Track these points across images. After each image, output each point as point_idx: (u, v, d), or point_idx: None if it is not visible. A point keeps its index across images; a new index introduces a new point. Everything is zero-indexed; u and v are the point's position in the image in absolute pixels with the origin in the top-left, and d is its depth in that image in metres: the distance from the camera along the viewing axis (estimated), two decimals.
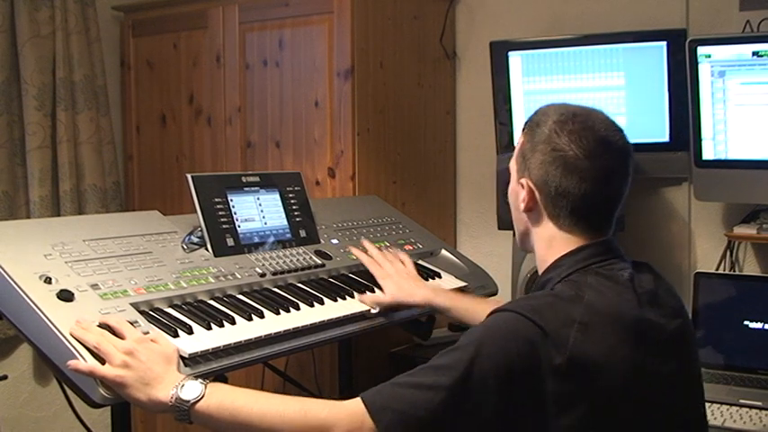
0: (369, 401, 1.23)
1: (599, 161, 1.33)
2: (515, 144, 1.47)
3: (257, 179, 2.03)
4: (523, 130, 1.44)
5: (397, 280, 1.93)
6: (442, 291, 1.97)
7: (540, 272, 1.43)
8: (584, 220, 1.37)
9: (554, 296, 1.29)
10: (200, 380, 1.35)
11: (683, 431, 1.34)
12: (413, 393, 1.21)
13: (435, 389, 1.20)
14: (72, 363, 1.35)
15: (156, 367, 1.36)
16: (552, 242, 1.39)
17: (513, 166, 1.46)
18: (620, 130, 1.38)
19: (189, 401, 1.31)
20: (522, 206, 1.40)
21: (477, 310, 1.81)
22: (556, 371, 1.20)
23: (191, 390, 1.33)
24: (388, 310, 1.89)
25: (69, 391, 1.44)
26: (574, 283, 1.31)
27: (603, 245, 1.38)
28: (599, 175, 1.33)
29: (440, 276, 2.16)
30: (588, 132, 1.34)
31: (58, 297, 1.47)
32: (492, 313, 1.30)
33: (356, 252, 2.05)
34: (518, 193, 1.42)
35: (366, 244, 2.07)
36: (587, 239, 1.37)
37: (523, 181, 1.39)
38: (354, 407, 1.23)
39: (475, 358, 1.20)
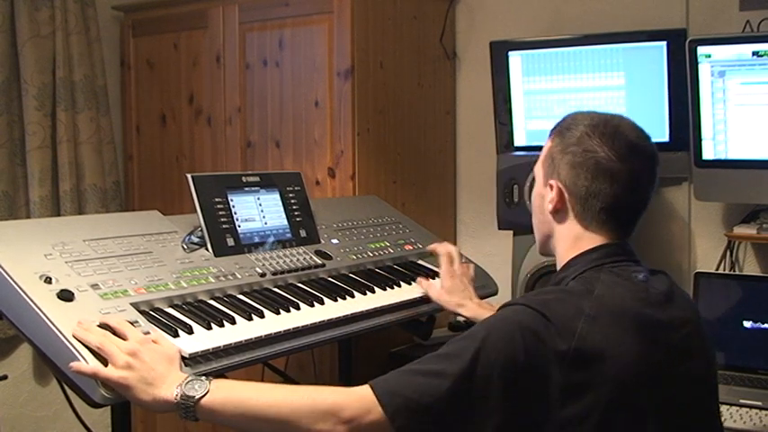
0: (377, 388, 1.25)
1: (629, 164, 1.36)
2: (543, 146, 1.48)
3: (257, 179, 2.03)
4: (551, 134, 1.46)
5: (454, 285, 1.97)
6: (489, 305, 1.99)
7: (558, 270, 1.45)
8: (611, 222, 1.39)
9: (564, 291, 1.33)
10: (203, 377, 1.36)
11: None
12: (421, 380, 1.24)
13: (443, 376, 1.23)
14: (75, 364, 1.35)
15: (159, 367, 1.37)
16: (577, 242, 1.41)
17: (538, 170, 1.48)
18: (648, 138, 1.41)
19: (194, 398, 1.32)
20: (550, 207, 1.42)
21: None
22: (562, 361, 1.22)
23: (196, 386, 1.33)
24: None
25: (69, 391, 1.44)
26: (586, 279, 1.34)
27: (619, 246, 1.40)
28: (629, 178, 1.36)
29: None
30: (620, 137, 1.37)
31: (59, 297, 1.47)
32: (502, 306, 1.33)
33: (436, 247, 2.08)
34: (544, 196, 1.44)
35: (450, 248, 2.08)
36: (607, 240, 1.40)
37: (552, 182, 1.41)
38: (363, 392, 1.26)
39: (481, 347, 1.23)
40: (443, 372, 1.23)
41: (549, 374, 1.22)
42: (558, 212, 1.43)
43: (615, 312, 1.28)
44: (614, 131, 1.37)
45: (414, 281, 2.08)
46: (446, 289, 1.96)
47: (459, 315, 1.96)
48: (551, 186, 1.42)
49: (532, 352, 1.22)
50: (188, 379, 1.35)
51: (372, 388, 1.25)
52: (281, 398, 1.30)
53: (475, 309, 1.93)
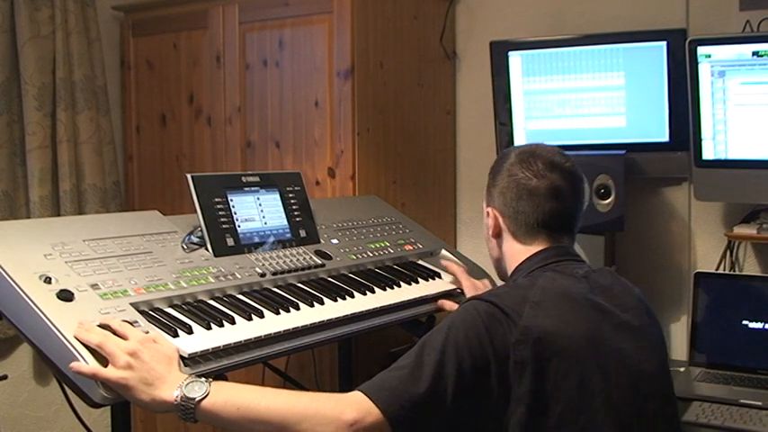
0: (365, 389, 1.34)
1: (546, 180, 1.56)
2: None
3: (257, 179, 2.03)
4: (489, 174, 1.68)
5: (475, 282, 2.09)
6: None
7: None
8: (542, 232, 1.57)
9: (512, 286, 1.53)
10: (203, 378, 1.36)
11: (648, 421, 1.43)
12: (400, 373, 1.35)
13: (419, 366, 1.35)
14: (75, 365, 1.35)
15: (159, 368, 1.37)
16: (517, 255, 1.60)
17: (484, 206, 1.69)
18: (568, 158, 1.60)
19: (195, 399, 1.32)
20: (490, 232, 1.64)
21: None
22: (514, 343, 1.36)
23: (196, 388, 1.34)
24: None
25: (69, 391, 1.44)
26: (532, 276, 1.52)
27: (561, 248, 1.58)
28: (547, 190, 1.55)
29: (440, 276, 2.16)
30: (537, 158, 1.58)
31: (58, 297, 1.47)
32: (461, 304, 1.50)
33: (445, 263, 2.20)
34: (487, 224, 1.66)
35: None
36: (545, 246, 1.57)
37: (489, 210, 1.65)
38: (356, 397, 1.33)
39: (448, 334, 1.37)
40: (419, 362, 1.35)
41: (507, 353, 1.36)
42: (499, 236, 1.64)
43: (558, 296, 1.44)
44: (531, 155, 1.58)
45: (414, 281, 2.08)
46: (470, 285, 2.07)
47: None
48: (488, 213, 1.65)
49: (493, 332, 1.37)
50: (188, 380, 1.35)
51: (362, 390, 1.34)
52: (282, 402, 1.33)
53: None
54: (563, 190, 1.56)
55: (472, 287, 2.04)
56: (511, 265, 1.62)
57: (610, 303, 1.48)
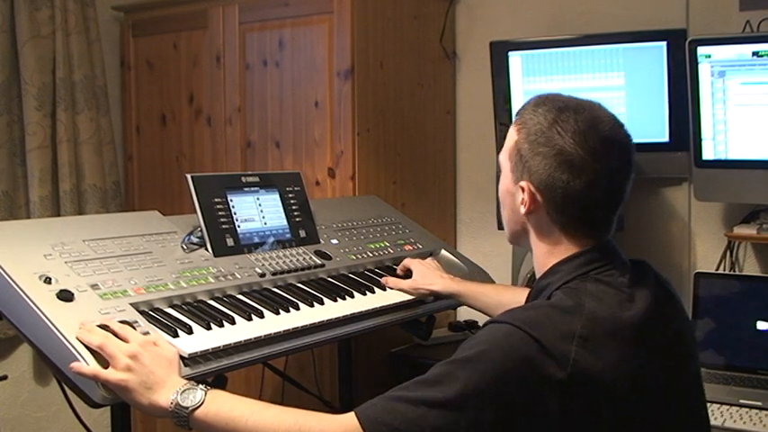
0: (362, 416, 1.20)
1: (605, 163, 1.29)
2: (508, 133, 1.39)
3: (257, 179, 2.03)
4: (516, 123, 1.36)
5: (422, 268, 2.05)
6: (460, 280, 2.07)
7: (537, 275, 1.39)
8: (589, 224, 1.33)
9: (553, 307, 1.25)
10: (200, 386, 1.35)
11: None
12: (406, 408, 1.18)
13: (429, 405, 1.17)
14: (75, 365, 1.35)
15: (159, 371, 1.36)
16: (555, 248, 1.35)
17: (504, 162, 1.39)
18: (623, 126, 1.35)
19: (188, 408, 1.31)
20: (524, 209, 1.34)
21: (492, 295, 1.94)
22: (557, 386, 1.16)
23: (190, 396, 1.33)
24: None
25: (69, 391, 1.44)
26: (573, 291, 1.27)
27: (602, 249, 1.34)
28: (606, 177, 1.29)
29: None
30: (593, 132, 1.29)
31: (58, 297, 1.47)
32: (488, 323, 1.27)
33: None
34: (514, 195, 1.36)
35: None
36: (588, 243, 1.33)
37: (524, 184, 1.33)
38: (348, 422, 1.21)
39: (471, 375, 1.17)
40: (431, 400, 1.17)
41: (545, 400, 1.16)
42: (532, 214, 1.35)
43: (607, 331, 1.22)
44: (587, 126, 1.29)
45: None
46: (418, 275, 2.03)
47: (434, 294, 2.00)
48: (522, 188, 1.33)
49: (525, 379, 1.17)
50: (185, 387, 1.34)
51: (357, 416, 1.21)
52: (269, 422, 1.27)
53: (445, 283, 2.00)
54: (620, 173, 1.32)
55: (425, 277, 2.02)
56: (543, 253, 1.36)
57: (656, 319, 1.28)
